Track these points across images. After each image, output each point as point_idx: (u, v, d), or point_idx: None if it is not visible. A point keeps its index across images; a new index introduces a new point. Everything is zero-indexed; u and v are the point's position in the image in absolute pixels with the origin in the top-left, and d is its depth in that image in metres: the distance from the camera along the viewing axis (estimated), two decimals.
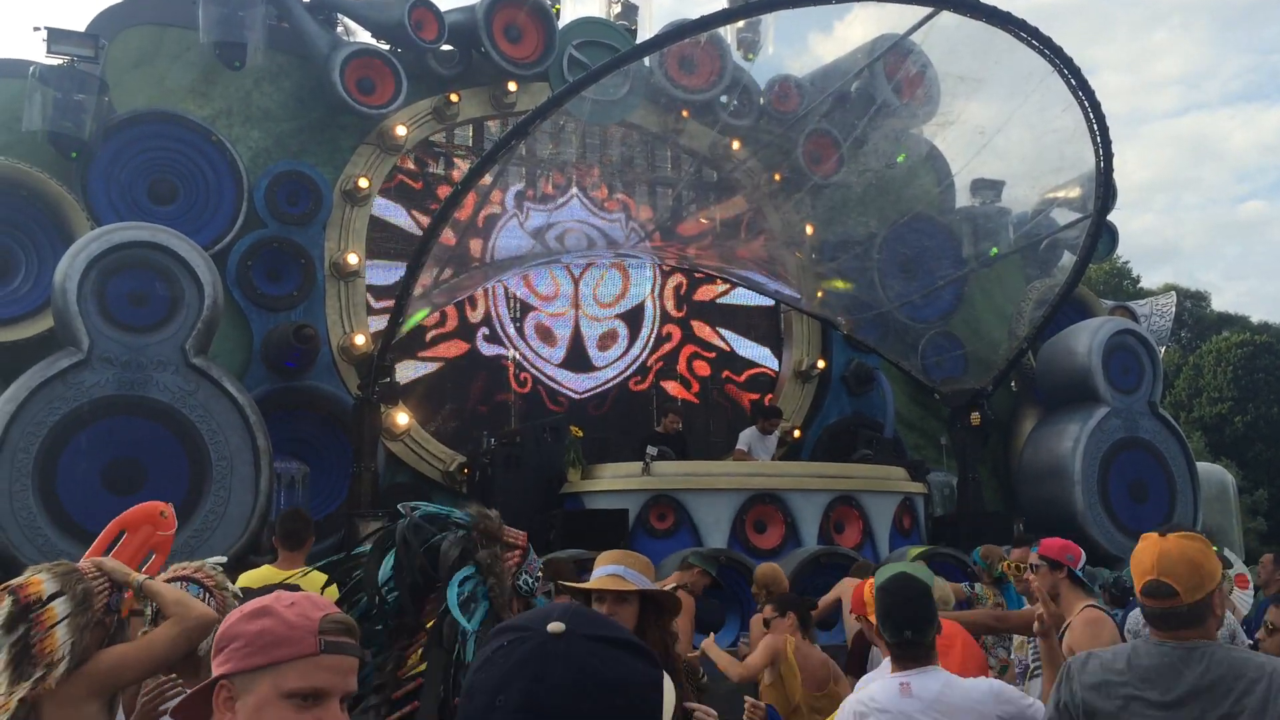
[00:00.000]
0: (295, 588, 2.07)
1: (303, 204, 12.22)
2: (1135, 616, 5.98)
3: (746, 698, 5.20)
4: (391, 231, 13.26)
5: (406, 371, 12.98)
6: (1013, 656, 6.72)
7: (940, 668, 3.42)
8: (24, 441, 9.43)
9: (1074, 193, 13.75)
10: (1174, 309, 19.18)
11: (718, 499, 10.82)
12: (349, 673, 1.81)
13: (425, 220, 12.55)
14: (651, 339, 14.77)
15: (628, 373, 14.54)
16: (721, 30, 13.93)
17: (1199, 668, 2.73)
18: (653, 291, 14.93)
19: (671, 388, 14.76)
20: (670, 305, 14.98)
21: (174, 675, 3.17)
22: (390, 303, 11.69)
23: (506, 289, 14.02)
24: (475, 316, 13.80)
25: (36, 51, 10.99)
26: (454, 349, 13.62)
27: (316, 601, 1.83)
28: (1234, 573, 10.08)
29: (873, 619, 3.78)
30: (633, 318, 14.74)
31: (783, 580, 7.41)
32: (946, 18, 10.92)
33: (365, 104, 12.50)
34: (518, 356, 13.92)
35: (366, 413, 11.15)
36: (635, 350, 14.64)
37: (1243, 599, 9.56)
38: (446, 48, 13.27)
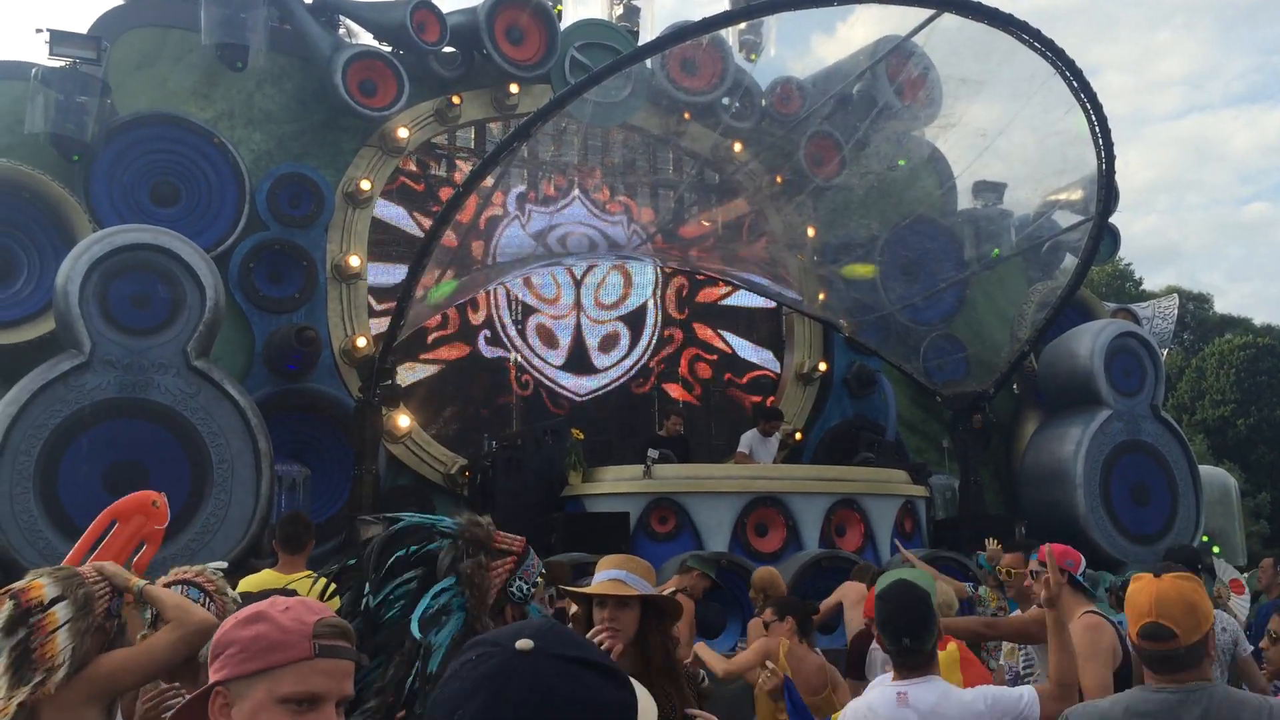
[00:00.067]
0: (293, 593, 2.07)
1: (305, 206, 12.23)
2: None
3: (767, 662, 5.19)
4: (393, 234, 13.27)
5: (408, 374, 13.00)
6: (1002, 663, 6.71)
7: (939, 678, 3.41)
8: (25, 444, 9.44)
9: (1076, 195, 13.74)
10: (1176, 311, 19.17)
11: (719, 502, 10.81)
12: (345, 677, 1.80)
13: (427, 222, 12.55)
14: (653, 341, 14.78)
15: (629, 375, 14.54)
16: (723, 32, 13.94)
17: (1198, 710, 2.72)
18: (654, 294, 14.93)
19: (673, 390, 14.76)
20: (672, 308, 14.98)
21: (175, 683, 3.16)
22: (392, 305, 11.70)
23: (508, 291, 14.03)
24: (477, 319, 13.81)
25: (39, 54, 11.03)
26: (455, 351, 13.62)
27: (311, 606, 1.83)
28: (1228, 578, 10.06)
29: None
30: (634, 320, 14.74)
31: (780, 584, 7.39)
32: (948, 20, 10.91)
33: (367, 106, 12.51)
34: (519, 359, 13.93)
35: (368, 415, 11.15)
36: (637, 353, 14.64)
37: (1240, 604, 9.53)
38: (448, 50, 13.28)
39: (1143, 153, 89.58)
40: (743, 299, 15.29)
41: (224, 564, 3.65)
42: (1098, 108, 11.12)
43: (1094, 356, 13.92)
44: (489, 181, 12.18)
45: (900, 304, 14.50)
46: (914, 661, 3.36)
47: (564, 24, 14.12)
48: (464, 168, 13.68)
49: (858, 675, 6.15)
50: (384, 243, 13.13)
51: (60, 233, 10.90)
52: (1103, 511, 13.62)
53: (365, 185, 12.64)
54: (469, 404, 13.54)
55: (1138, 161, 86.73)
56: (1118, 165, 11.79)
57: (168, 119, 11.70)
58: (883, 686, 3.46)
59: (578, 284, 14.53)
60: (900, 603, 3.41)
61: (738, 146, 14.67)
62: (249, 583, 5.92)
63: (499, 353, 13.85)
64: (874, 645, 6.21)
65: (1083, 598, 4.68)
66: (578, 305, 14.47)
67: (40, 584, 2.94)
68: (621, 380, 14.48)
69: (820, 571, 10.06)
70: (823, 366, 14.89)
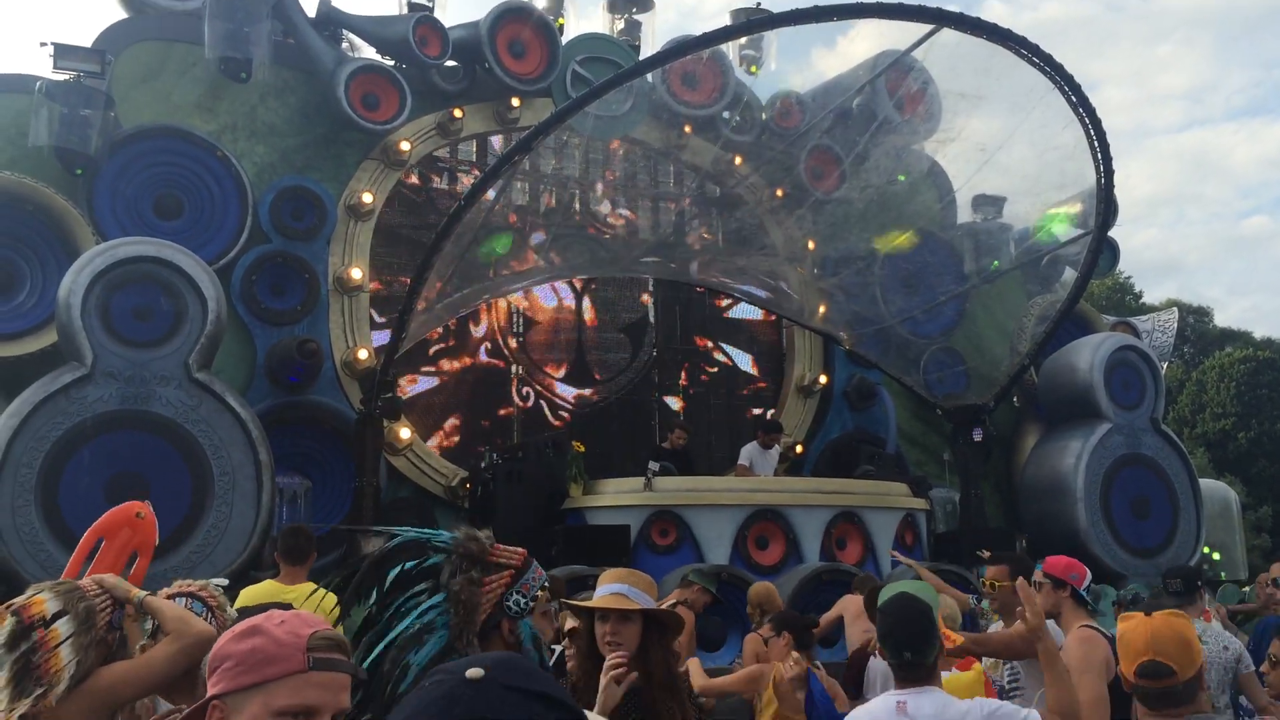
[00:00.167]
0: (289, 606, 2.09)
1: (307, 219, 12.26)
2: None
3: (793, 652, 5.20)
4: (395, 246, 13.30)
5: (409, 386, 13.03)
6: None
7: (939, 689, 3.41)
8: (27, 456, 9.45)
9: (1075, 209, 13.77)
10: (1176, 325, 19.18)
11: (719, 515, 10.81)
12: (340, 689, 1.81)
13: (429, 236, 12.58)
14: (654, 353, 14.80)
15: (630, 387, 14.56)
16: (724, 46, 13.99)
17: None
18: (655, 306, 14.95)
19: (673, 402, 14.79)
20: (673, 320, 15.00)
21: (180, 706, 3.18)
22: (393, 317, 11.72)
23: (509, 303, 14.06)
24: (478, 331, 13.84)
25: (43, 67, 11.05)
26: (456, 363, 13.65)
27: (307, 619, 1.84)
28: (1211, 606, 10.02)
29: None
30: (635, 332, 14.76)
31: (776, 599, 7.39)
32: (947, 35, 10.96)
33: (370, 119, 12.56)
34: (520, 371, 13.95)
35: (369, 427, 11.17)
36: (638, 365, 14.66)
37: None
38: (450, 63, 13.34)
39: (1143, 166, 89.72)
40: (743, 311, 15.33)
41: (224, 580, 3.66)
42: (1096, 122, 11.16)
43: (1094, 370, 13.93)
44: (490, 194, 12.21)
45: (900, 317, 14.52)
46: (916, 675, 3.36)
47: (565, 38, 14.18)
48: (466, 180, 13.73)
49: (856, 690, 6.15)
50: (386, 255, 13.13)
51: (63, 245, 10.92)
52: (1103, 525, 13.60)
53: (367, 198, 12.68)
54: (470, 416, 13.55)
55: (1138, 175, 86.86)
56: (1118, 179, 11.84)
57: (171, 132, 11.73)
58: (883, 695, 3.47)
59: (578, 296, 14.57)
60: (902, 616, 3.41)
61: (738, 160, 14.72)
62: (250, 594, 5.93)
63: (500, 365, 13.87)
64: (871, 664, 6.21)
65: (1083, 613, 4.67)
66: (578, 317, 14.50)
67: (42, 599, 2.96)
68: (622, 392, 14.49)
69: (820, 584, 10.07)
70: (823, 379, 14.90)
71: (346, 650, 1.85)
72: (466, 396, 13.61)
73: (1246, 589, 12.46)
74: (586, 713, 1.36)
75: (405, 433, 12.19)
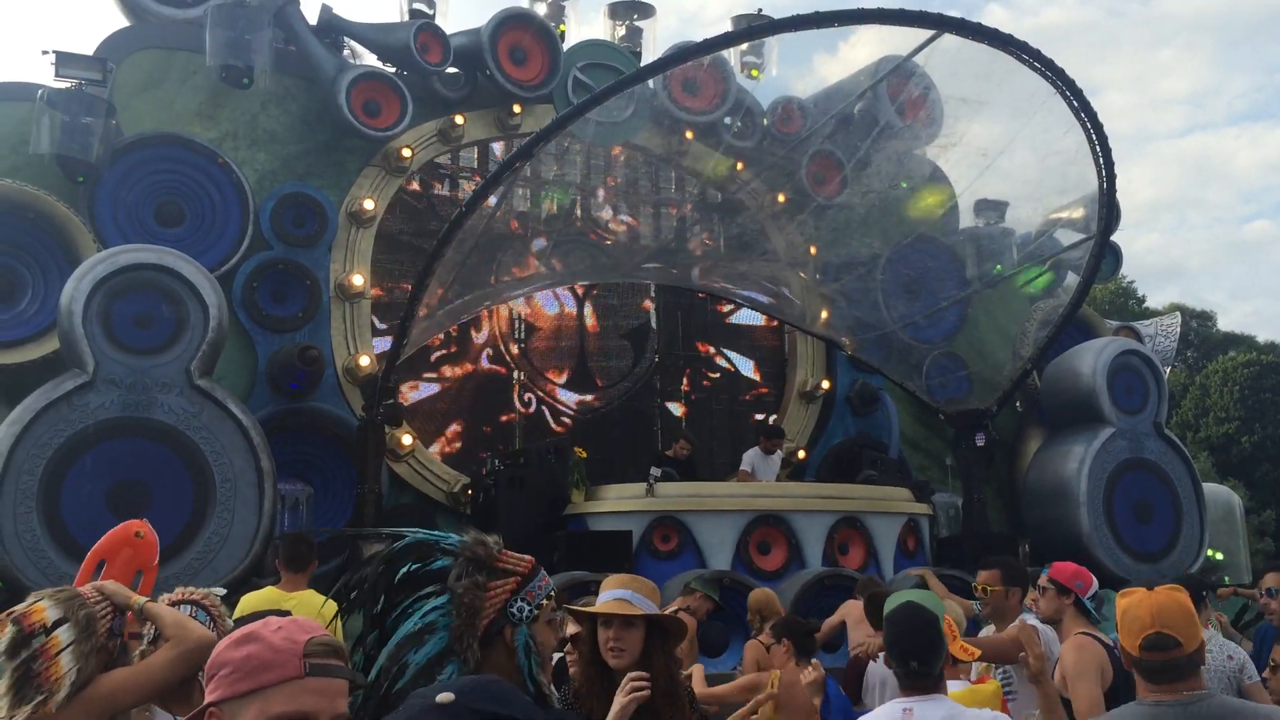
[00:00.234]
0: (286, 613, 2.08)
1: (308, 226, 12.28)
2: None
3: (815, 661, 5.21)
4: (397, 253, 13.31)
5: (411, 393, 13.02)
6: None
7: (947, 697, 3.40)
8: (28, 463, 9.46)
9: (1077, 213, 13.76)
10: (1179, 329, 19.14)
11: (721, 520, 10.80)
12: (337, 695, 1.80)
13: (430, 242, 12.59)
14: (655, 359, 14.80)
15: (632, 393, 14.55)
16: (725, 52, 14.01)
17: None
18: (657, 312, 14.96)
19: (675, 408, 14.78)
20: (674, 325, 15.00)
21: (178, 716, 3.17)
22: (395, 324, 11.72)
23: (511, 309, 14.06)
24: (479, 337, 13.84)
25: (45, 75, 11.09)
26: (458, 370, 13.65)
27: (303, 625, 1.83)
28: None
29: None
30: (637, 338, 14.76)
31: (777, 605, 7.37)
32: (948, 40, 10.96)
33: (371, 126, 12.57)
34: (522, 377, 13.95)
35: (370, 434, 11.17)
36: (639, 370, 14.66)
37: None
38: (452, 70, 13.35)
39: (1145, 171, 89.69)
40: (745, 317, 15.33)
41: (223, 590, 3.66)
42: (1098, 126, 11.15)
43: (1096, 374, 13.91)
44: (491, 201, 12.23)
45: (902, 322, 14.51)
46: (922, 684, 3.34)
47: (567, 45, 14.19)
48: (467, 187, 13.75)
49: (856, 696, 6.14)
50: (387, 262, 13.15)
51: (65, 253, 10.94)
52: (1106, 529, 13.58)
53: (369, 205, 12.69)
54: (472, 422, 13.55)
55: (1140, 180, 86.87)
56: (1120, 183, 11.83)
57: (172, 140, 11.75)
58: (889, 703, 3.46)
59: (580, 302, 14.57)
60: (909, 625, 3.39)
61: (739, 166, 14.73)
62: (250, 601, 5.94)
63: (501, 371, 13.87)
64: (870, 669, 6.19)
65: (1084, 621, 4.66)
66: (580, 323, 14.50)
67: (42, 606, 2.95)
68: (624, 398, 14.49)
69: (823, 590, 10.05)
70: (825, 384, 14.89)
71: (344, 656, 1.85)
72: (468, 403, 13.61)
73: (1249, 601, 12.40)
74: None
75: (407, 439, 12.19)
